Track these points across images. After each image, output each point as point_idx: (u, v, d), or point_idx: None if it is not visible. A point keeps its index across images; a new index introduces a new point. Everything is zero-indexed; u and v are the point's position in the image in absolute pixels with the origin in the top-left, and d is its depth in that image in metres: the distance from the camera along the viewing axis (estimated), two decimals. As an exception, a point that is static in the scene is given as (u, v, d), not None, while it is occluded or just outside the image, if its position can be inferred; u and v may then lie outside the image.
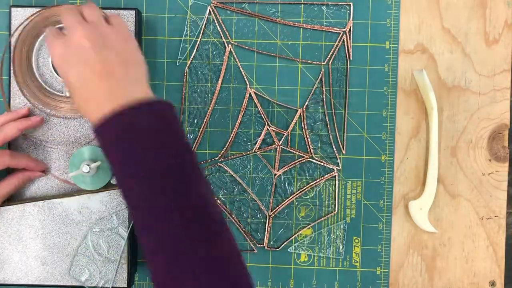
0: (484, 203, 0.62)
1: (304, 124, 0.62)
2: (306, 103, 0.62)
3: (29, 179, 0.57)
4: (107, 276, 0.57)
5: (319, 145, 0.62)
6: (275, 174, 0.62)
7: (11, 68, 0.57)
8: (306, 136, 0.62)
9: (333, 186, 0.62)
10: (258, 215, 0.62)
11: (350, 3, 0.61)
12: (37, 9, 0.57)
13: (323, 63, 0.62)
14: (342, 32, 0.61)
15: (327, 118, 0.62)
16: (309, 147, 0.62)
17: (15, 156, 0.56)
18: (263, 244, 0.62)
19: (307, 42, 0.62)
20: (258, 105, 0.62)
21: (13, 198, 0.58)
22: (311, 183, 0.62)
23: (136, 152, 0.42)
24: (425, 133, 0.62)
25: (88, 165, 0.54)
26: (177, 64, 0.62)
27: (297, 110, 0.62)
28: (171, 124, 0.44)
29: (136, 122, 0.43)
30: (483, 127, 0.62)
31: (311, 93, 0.62)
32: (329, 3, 0.61)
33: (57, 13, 0.57)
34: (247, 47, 0.62)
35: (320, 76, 0.61)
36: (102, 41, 0.46)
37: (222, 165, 0.62)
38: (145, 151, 0.42)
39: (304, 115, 0.62)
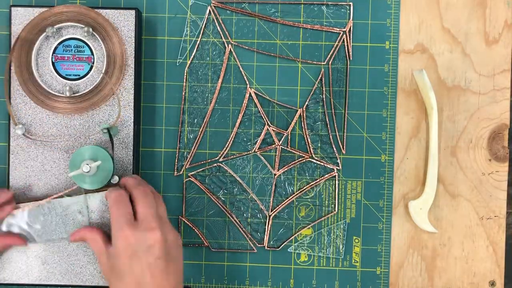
0: (484, 203, 0.62)
1: (304, 124, 0.62)
2: (306, 103, 0.62)
3: (6, 247, 0.56)
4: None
5: (319, 145, 0.62)
6: (275, 174, 0.62)
7: (11, 68, 0.58)
8: (306, 136, 0.62)
9: (333, 186, 0.62)
10: (258, 215, 0.62)
11: (350, 3, 0.61)
12: (37, 9, 0.57)
13: (323, 63, 0.62)
14: (342, 32, 0.61)
15: (327, 118, 0.62)
16: (309, 147, 0.62)
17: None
18: (263, 244, 0.62)
19: (307, 42, 0.62)
20: (258, 105, 0.62)
21: (14, 199, 0.58)
22: (311, 183, 0.62)
23: None
24: (425, 133, 0.62)
25: (89, 165, 0.54)
26: (177, 64, 0.62)
27: (297, 110, 0.62)
28: None
29: None
30: (483, 127, 0.62)
31: (311, 93, 0.62)
32: (329, 3, 0.61)
33: (132, 193, 0.53)
34: (247, 47, 0.62)
35: (320, 76, 0.62)
36: (168, 253, 0.50)
37: (222, 165, 0.62)
38: None
39: (304, 115, 0.62)
